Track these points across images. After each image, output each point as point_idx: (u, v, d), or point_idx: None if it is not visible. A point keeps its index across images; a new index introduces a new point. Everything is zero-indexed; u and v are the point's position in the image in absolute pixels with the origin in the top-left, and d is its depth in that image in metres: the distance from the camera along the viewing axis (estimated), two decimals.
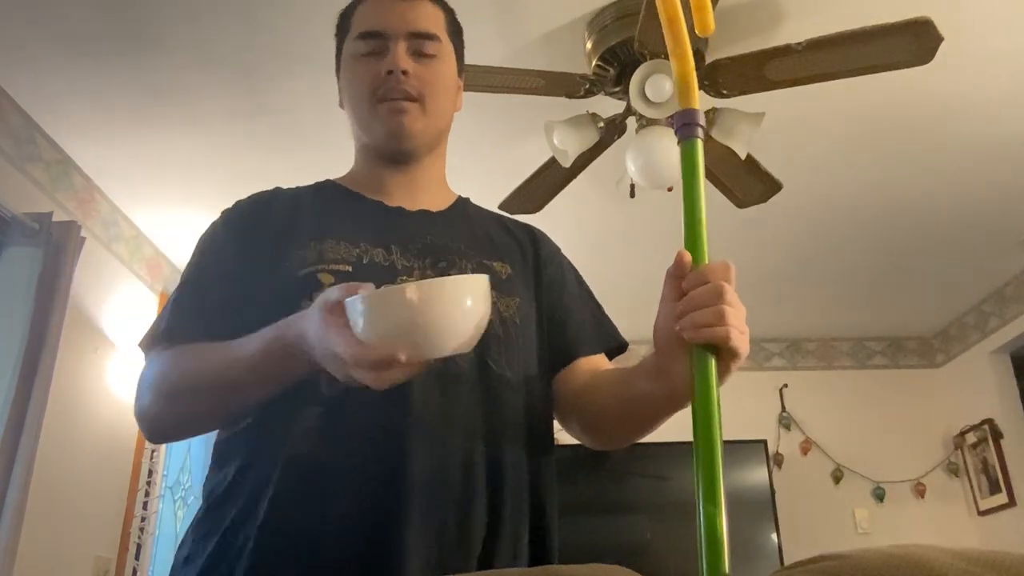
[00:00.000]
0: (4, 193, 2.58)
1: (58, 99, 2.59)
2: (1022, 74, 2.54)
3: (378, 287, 0.91)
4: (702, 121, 0.83)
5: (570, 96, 2.35)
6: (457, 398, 0.89)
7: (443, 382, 0.87)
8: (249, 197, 1.07)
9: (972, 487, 4.22)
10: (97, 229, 3.05)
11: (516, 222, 1.16)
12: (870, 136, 2.84)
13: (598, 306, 1.15)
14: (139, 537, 3.22)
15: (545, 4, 2.26)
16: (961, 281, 3.99)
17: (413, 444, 0.84)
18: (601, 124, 2.37)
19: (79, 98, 2.58)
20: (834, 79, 2.17)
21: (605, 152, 2.53)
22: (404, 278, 0.92)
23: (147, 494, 3.30)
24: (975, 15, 2.28)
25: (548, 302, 1.06)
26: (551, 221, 2.80)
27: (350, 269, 0.92)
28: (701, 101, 2.65)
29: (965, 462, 4.28)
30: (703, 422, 0.72)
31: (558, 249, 1.16)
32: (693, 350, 0.75)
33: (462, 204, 1.12)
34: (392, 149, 1.04)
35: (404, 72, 1.00)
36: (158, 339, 0.97)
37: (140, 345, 0.99)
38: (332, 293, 0.74)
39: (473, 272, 0.97)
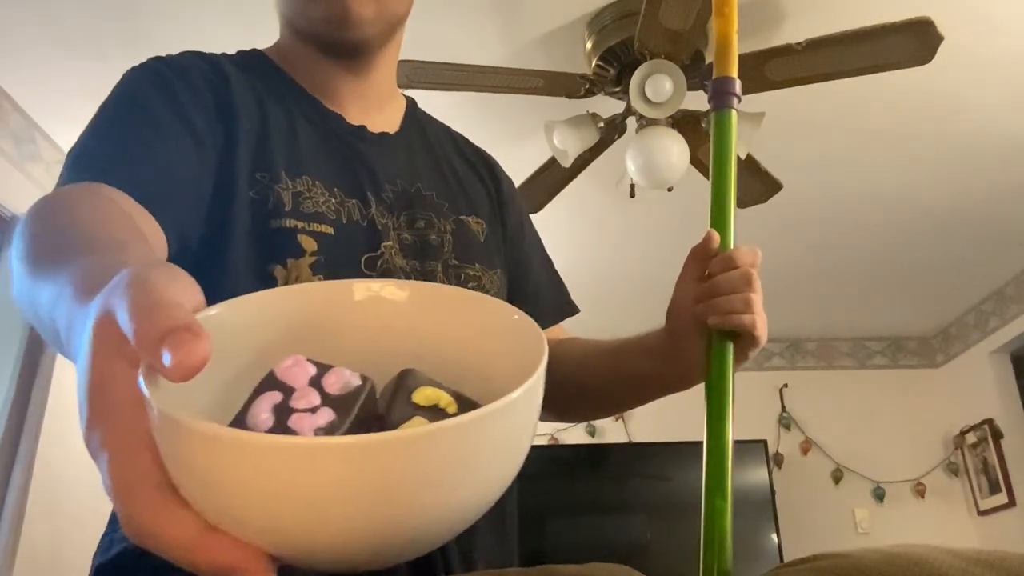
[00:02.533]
0: (4, 193, 2.58)
1: (58, 99, 2.59)
2: (1022, 74, 2.54)
3: (359, 256, 0.75)
4: (738, 91, 0.76)
5: (570, 96, 2.35)
6: None
7: None
8: (191, 55, 0.81)
9: (972, 487, 4.22)
10: None
11: (471, 146, 1.02)
12: (870, 136, 2.84)
13: (549, 261, 1.05)
14: None
15: (545, 4, 2.26)
16: (961, 281, 3.99)
17: None
18: (601, 124, 2.37)
19: (79, 98, 2.58)
20: (834, 79, 2.18)
21: (605, 152, 2.54)
22: (384, 245, 0.78)
23: None
24: (975, 15, 2.28)
25: (510, 258, 0.95)
26: (551, 221, 2.80)
27: (332, 232, 0.75)
28: (701, 101, 2.64)
29: (965, 462, 4.27)
30: (716, 410, 0.70)
31: (512, 183, 1.03)
32: (712, 335, 0.74)
33: (413, 115, 0.96)
34: (335, 38, 0.82)
35: None
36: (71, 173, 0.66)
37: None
38: (119, 309, 0.33)
39: (452, 234, 0.84)
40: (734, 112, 0.76)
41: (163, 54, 0.81)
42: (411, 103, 0.98)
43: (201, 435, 0.30)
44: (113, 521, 0.73)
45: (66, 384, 2.75)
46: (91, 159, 0.68)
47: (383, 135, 0.89)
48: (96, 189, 0.62)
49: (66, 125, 2.72)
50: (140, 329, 0.31)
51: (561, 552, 3.67)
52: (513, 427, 0.35)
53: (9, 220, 2.58)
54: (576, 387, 0.94)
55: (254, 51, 0.89)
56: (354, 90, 0.87)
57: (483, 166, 1.00)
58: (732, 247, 0.77)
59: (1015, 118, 2.74)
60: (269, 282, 0.70)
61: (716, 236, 0.76)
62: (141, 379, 0.32)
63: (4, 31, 2.31)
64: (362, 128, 0.87)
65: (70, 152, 0.71)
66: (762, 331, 0.74)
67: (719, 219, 0.77)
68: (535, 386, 0.36)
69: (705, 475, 0.67)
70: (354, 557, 0.33)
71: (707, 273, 0.77)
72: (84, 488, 2.92)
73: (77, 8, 2.22)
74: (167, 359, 0.30)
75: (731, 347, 0.73)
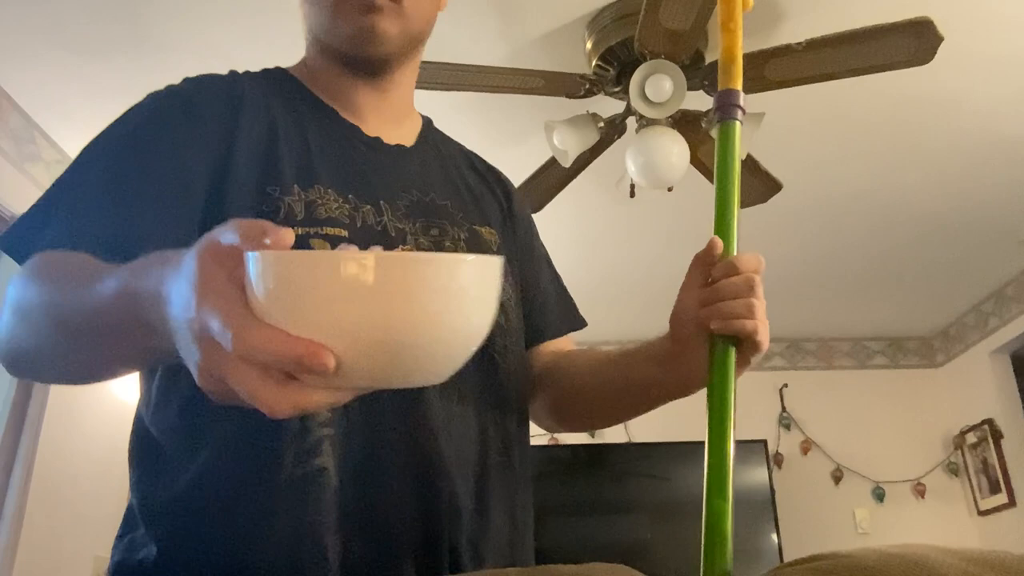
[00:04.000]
0: (4, 193, 2.58)
1: (58, 99, 2.59)
2: (1022, 74, 2.54)
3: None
4: (743, 103, 0.78)
5: (570, 96, 2.35)
6: (469, 403, 0.80)
7: (455, 381, 0.79)
8: (210, 78, 0.85)
9: (972, 487, 4.22)
10: None
11: (484, 163, 1.04)
12: (870, 136, 2.84)
13: (558, 276, 1.08)
14: None
15: (545, 4, 2.26)
16: (961, 281, 3.99)
17: (441, 443, 0.76)
18: (601, 124, 2.37)
19: (79, 98, 2.58)
20: (834, 79, 2.18)
21: (605, 152, 2.54)
22: (402, 247, 0.80)
23: None
24: (975, 15, 2.28)
25: (520, 270, 0.98)
26: (551, 221, 2.81)
27: (346, 234, 0.77)
28: (701, 101, 2.64)
29: (965, 462, 4.27)
30: (718, 414, 0.71)
31: (524, 199, 1.07)
32: (714, 340, 0.74)
33: (429, 132, 0.99)
34: (360, 55, 0.86)
35: None
36: (43, 242, 0.70)
37: (17, 256, 0.71)
38: (226, 233, 0.47)
39: (465, 242, 0.87)
40: (738, 123, 0.79)
41: (185, 70, 0.87)
42: (427, 121, 1.00)
43: (300, 258, 0.43)
44: (128, 522, 0.75)
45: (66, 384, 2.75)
46: (80, 218, 0.71)
47: (399, 147, 0.91)
48: (68, 257, 0.66)
49: (66, 125, 2.71)
50: (250, 229, 0.46)
51: (561, 552, 3.67)
52: (477, 280, 0.45)
53: (9, 220, 2.58)
54: (585, 396, 0.95)
55: (277, 68, 0.93)
56: (373, 103, 0.90)
57: (495, 181, 1.02)
58: (736, 253, 0.78)
59: (1015, 118, 2.74)
60: None
61: (719, 242, 0.78)
62: (251, 253, 0.44)
63: (5, 31, 2.31)
64: (377, 139, 0.89)
65: (63, 183, 0.74)
66: (764, 337, 0.75)
67: (723, 226, 0.78)
68: (491, 261, 0.47)
69: (707, 477, 0.67)
70: (382, 366, 0.44)
71: (710, 279, 0.77)
72: (84, 487, 2.92)
73: (78, 8, 2.22)
74: (268, 241, 0.45)
75: (733, 352, 0.74)
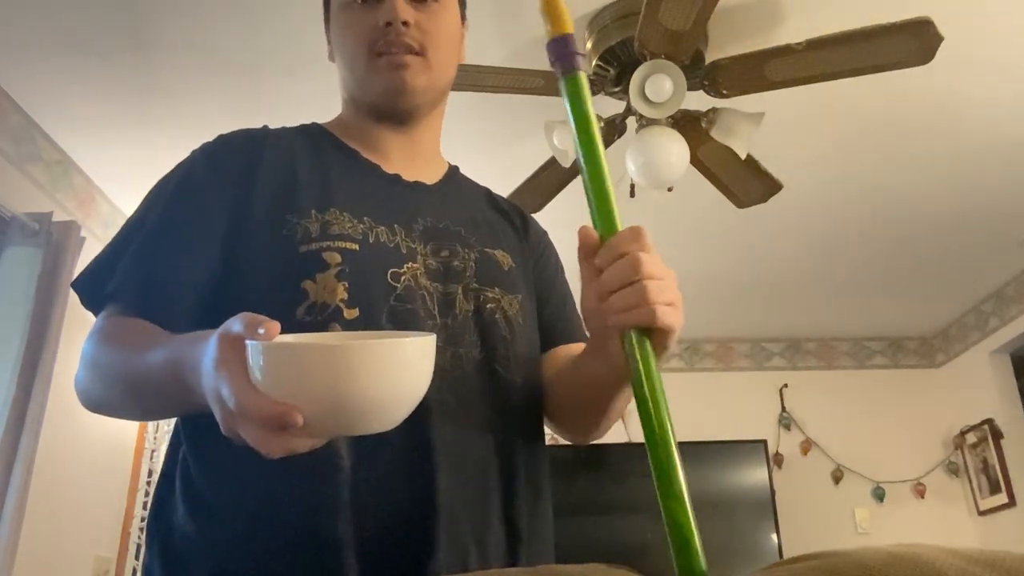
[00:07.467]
0: (4, 193, 2.58)
1: (58, 99, 2.59)
2: (1022, 74, 2.54)
3: (384, 269, 0.84)
4: (581, 49, 0.75)
5: None
6: (470, 406, 0.83)
7: (454, 387, 0.82)
8: (237, 133, 0.95)
9: (972, 487, 4.22)
10: (97, 229, 3.05)
11: (504, 200, 1.09)
12: (870, 136, 2.84)
13: (571, 295, 1.09)
14: (139, 537, 3.21)
15: None
16: (961, 281, 3.99)
17: (439, 458, 0.78)
18: (601, 124, 2.37)
19: (79, 98, 2.58)
20: (834, 79, 2.18)
21: (605, 152, 2.53)
22: (409, 264, 0.86)
23: (147, 494, 3.30)
24: (975, 15, 2.28)
25: (536, 285, 1.02)
26: (551, 221, 2.80)
27: (357, 248, 0.83)
28: (701, 101, 2.62)
29: (965, 462, 4.28)
30: (648, 409, 0.66)
31: (545, 232, 1.11)
32: (624, 334, 0.69)
33: (453, 174, 1.05)
34: (391, 107, 0.95)
35: (404, 23, 0.90)
36: (104, 300, 0.86)
37: (84, 300, 0.88)
38: (235, 324, 0.60)
39: (475, 261, 0.91)
40: (582, 73, 0.75)
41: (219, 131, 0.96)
42: (454, 168, 1.06)
43: (279, 348, 0.57)
44: (163, 487, 0.85)
45: (66, 384, 2.75)
46: (135, 285, 0.85)
47: (417, 183, 0.97)
48: (127, 323, 0.83)
49: (66, 125, 2.71)
50: (251, 321, 0.58)
51: (561, 552, 3.66)
52: (403, 362, 0.58)
53: (9, 220, 2.57)
54: (562, 401, 0.95)
55: (313, 123, 1.00)
56: (398, 147, 0.97)
57: (513, 211, 1.08)
58: (618, 231, 0.72)
59: (1015, 118, 2.74)
60: (300, 296, 0.80)
61: (589, 232, 0.73)
62: (248, 341, 0.57)
63: (5, 31, 2.31)
64: (396, 175, 0.95)
65: (117, 241, 0.88)
66: (669, 318, 0.69)
67: (599, 207, 0.73)
68: (425, 340, 0.60)
69: (655, 479, 0.65)
70: (341, 421, 0.57)
71: (598, 268, 0.72)
72: (84, 488, 2.92)
73: (77, 7, 2.22)
74: (260, 331, 0.57)
75: (646, 342, 0.68)
